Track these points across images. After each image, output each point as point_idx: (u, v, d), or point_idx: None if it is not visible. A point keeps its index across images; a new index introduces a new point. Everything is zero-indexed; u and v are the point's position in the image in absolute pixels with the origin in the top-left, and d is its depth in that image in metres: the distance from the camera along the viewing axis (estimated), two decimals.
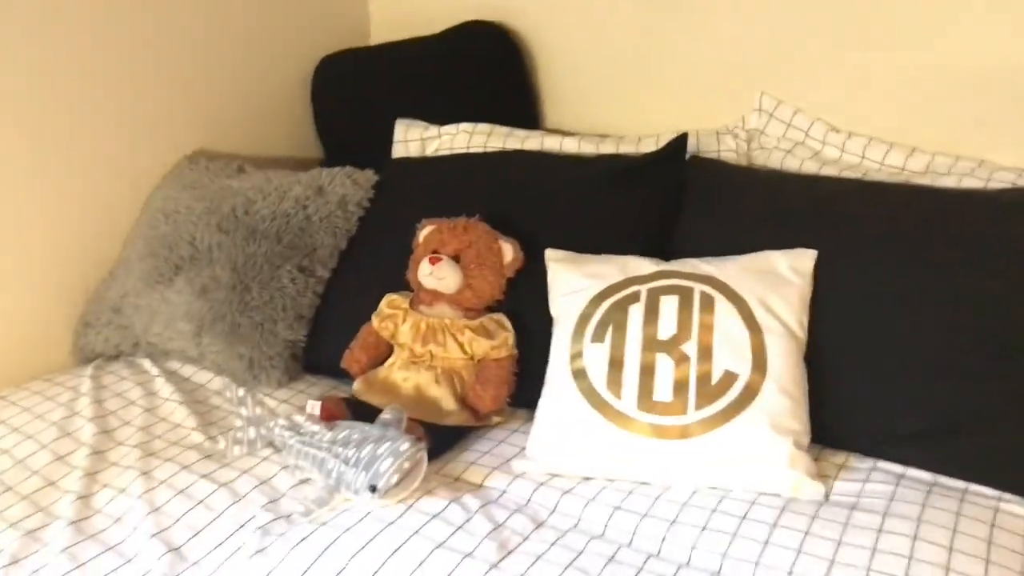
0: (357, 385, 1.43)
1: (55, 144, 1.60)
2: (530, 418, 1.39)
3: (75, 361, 1.65)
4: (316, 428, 1.23)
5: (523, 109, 1.92)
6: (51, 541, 1.12)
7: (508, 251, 1.44)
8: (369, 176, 1.69)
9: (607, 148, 1.71)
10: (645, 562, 1.05)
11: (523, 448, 1.31)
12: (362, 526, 1.10)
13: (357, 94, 1.99)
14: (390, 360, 1.44)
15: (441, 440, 1.32)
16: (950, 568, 1.00)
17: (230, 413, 1.42)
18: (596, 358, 1.28)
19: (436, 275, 1.39)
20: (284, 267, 1.55)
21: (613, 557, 1.06)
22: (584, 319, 1.33)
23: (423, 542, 1.07)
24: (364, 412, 1.35)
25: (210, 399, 1.47)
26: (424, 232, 1.49)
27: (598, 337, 1.30)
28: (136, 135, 1.72)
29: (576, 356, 1.30)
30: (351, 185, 1.65)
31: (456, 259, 1.42)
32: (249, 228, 1.57)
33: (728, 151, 1.67)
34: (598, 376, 1.26)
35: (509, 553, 1.07)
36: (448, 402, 1.36)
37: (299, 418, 1.25)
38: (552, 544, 1.09)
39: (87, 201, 1.66)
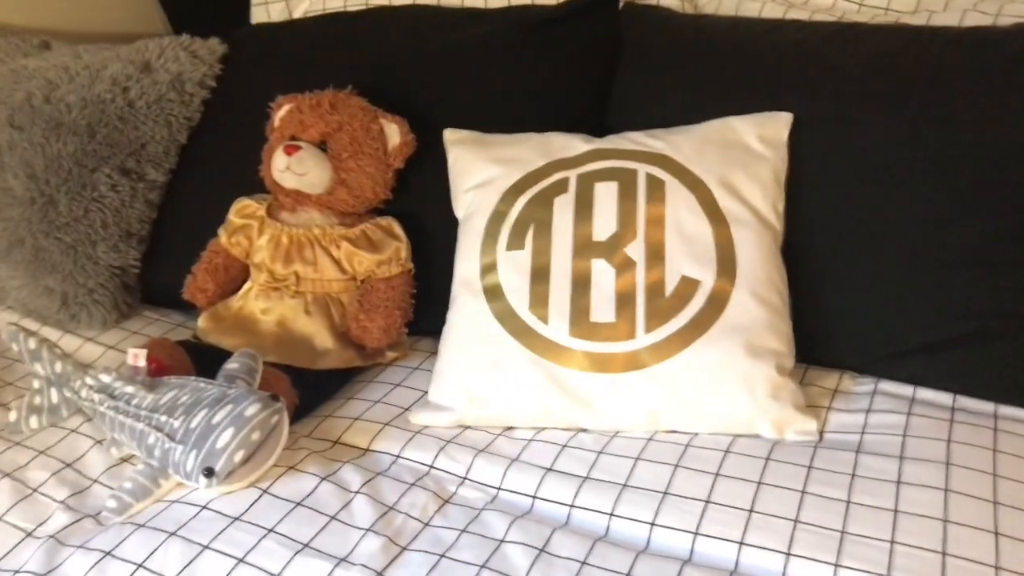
0: (202, 321, 1.08)
1: None
2: (434, 351, 1.09)
3: None
4: (131, 389, 0.89)
5: None
6: None
7: (393, 132, 1.09)
8: (213, 46, 1.30)
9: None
10: (590, 550, 0.76)
11: (424, 393, 1.00)
12: (194, 526, 0.79)
13: None
14: (246, 286, 1.10)
15: (315, 391, 1.00)
16: (999, 531, 0.74)
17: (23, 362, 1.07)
18: (514, 270, 0.96)
19: (295, 169, 1.04)
20: (101, 170, 1.17)
21: (545, 547, 0.76)
22: (497, 219, 1.00)
23: (279, 546, 0.76)
24: (212, 359, 1.01)
25: (8, 350, 1.12)
26: (280, 113, 1.13)
27: (515, 243, 0.98)
28: None
29: (488, 268, 0.98)
30: (188, 59, 1.26)
31: (322, 147, 1.06)
32: (51, 121, 1.18)
33: None
34: (517, 294, 0.95)
35: (401, 552, 0.76)
36: (323, 338, 1.04)
37: (106, 377, 0.91)
38: (461, 531, 0.79)
39: None
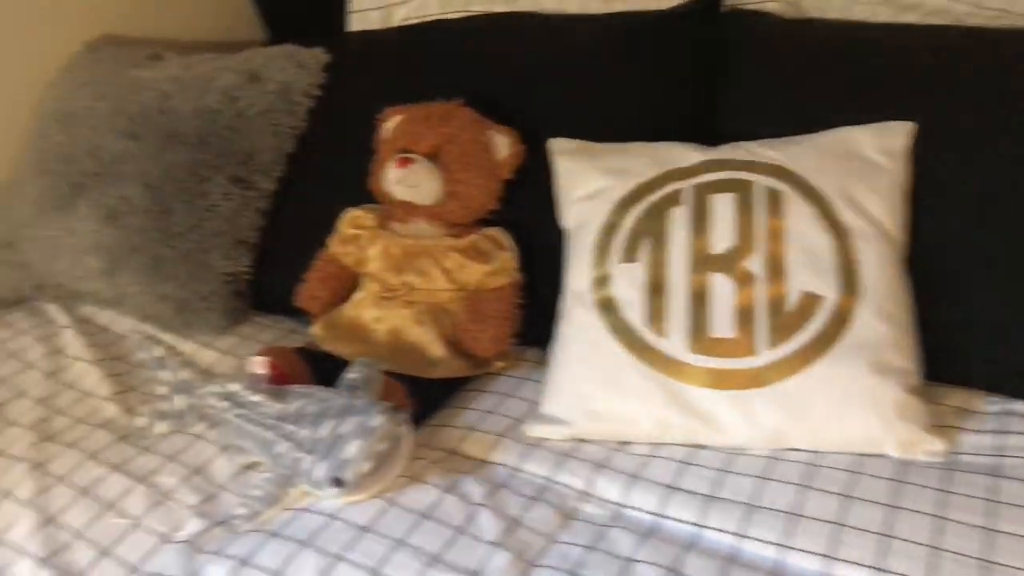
0: (316, 329, 1.10)
1: None
2: (540, 361, 1.09)
3: None
4: (258, 398, 0.91)
5: None
6: None
7: (502, 144, 1.10)
8: (318, 56, 1.32)
9: (619, 3, 1.34)
10: (721, 573, 0.75)
11: (537, 404, 1.00)
12: (326, 536, 0.80)
13: None
14: (358, 295, 1.11)
15: (429, 400, 1.01)
16: None
17: (149, 369, 1.10)
18: (629, 283, 0.96)
19: (407, 181, 1.05)
20: (214, 179, 1.20)
21: (676, 567, 0.76)
22: (609, 231, 1.00)
23: (411, 559, 0.77)
24: (327, 366, 1.03)
25: (132, 355, 1.15)
26: (389, 125, 1.14)
27: (629, 255, 0.98)
28: (21, 22, 1.34)
29: (601, 281, 0.98)
30: (295, 68, 1.28)
31: (433, 158, 1.07)
32: (166, 131, 1.22)
33: (772, 0, 1.30)
34: (633, 307, 0.95)
35: (530, 568, 0.77)
36: (435, 347, 1.05)
37: (233, 386, 0.93)
38: (589, 549, 0.79)
39: None
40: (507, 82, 1.21)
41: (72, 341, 1.16)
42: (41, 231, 1.23)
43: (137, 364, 1.13)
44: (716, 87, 1.18)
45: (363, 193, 1.18)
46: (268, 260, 1.25)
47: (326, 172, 1.27)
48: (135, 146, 1.21)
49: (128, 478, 0.91)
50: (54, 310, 1.24)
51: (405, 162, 1.04)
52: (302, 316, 1.19)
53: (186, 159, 1.20)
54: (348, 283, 1.14)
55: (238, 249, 1.20)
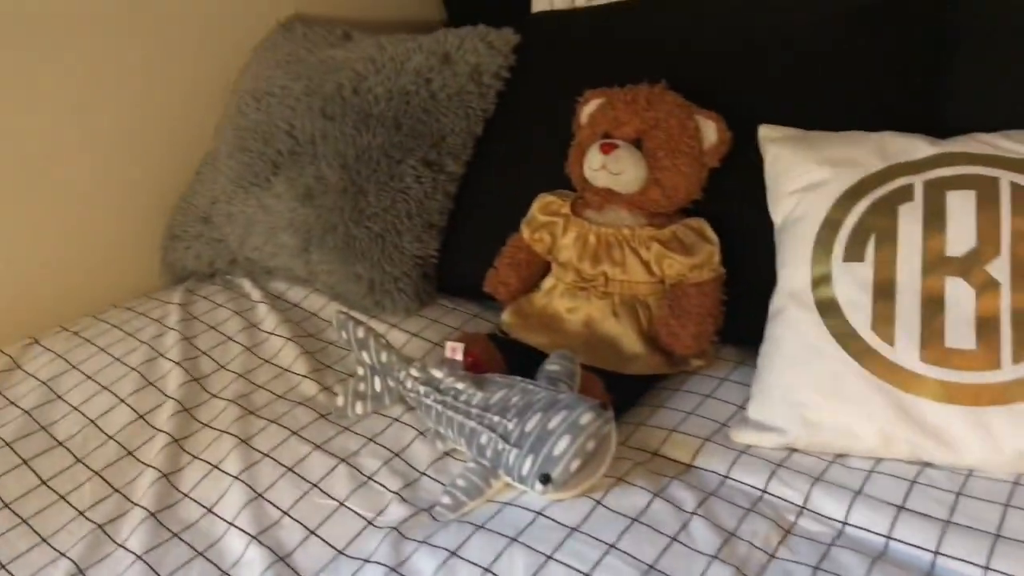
0: (507, 316, 1.09)
1: (120, 19, 1.28)
2: (740, 360, 1.04)
3: (164, 281, 1.38)
4: (461, 385, 0.90)
5: None
6: (127, 539, 0.85)
7: (709, 130, 1.04)
8: (508, 37, 1.29)
9: None
10: None
11: (740, 407, 0.95)
12: (534, 534, 0.78)
13: None
14: (548, 282, 1.09)
15: (624, 396, 0.97)
16: None
17: (350, 352, 1.11)
18: (854, 284, 0.89)
19: (611, 168, 1.01)
20: (407, 162, 1.20)
21: None
22: (830, 227, 0.93)
23: (624, 564, 0.74)
24: (519, 355, 1.02)
25: (324, 332, 1.17)
26: (589, 108, 1.11)
27: (854, 253, 0.90)
28: (216, 1, 1.38)
29: (821, 280, 0.91)
30: (485, 50, 1.27)
31: (637, 144, 1.03)
32: (360, 112, 1.22)
33: None
34: (858, 310, 0.88)
35: None
36: (631, 342, 1.01)
37: (436, 371, 0.92)
38: (814, 568, 0.74)
39: (163, 85, 1.35)
40: (708, 66, 1.15)
41: (267, 316, 1.19)
42: (237, 207, 1.27)
43: (330, 342, 1.15)
44: (942, 73, 1.08)
45: (552, 178, 1.16)
46: (454, 243, 1.24)
47: (515, 156, 1.24)
48: (331, 126, 1.22)
49: (331, 457, 0.92)
50: (248, 285, 1.28)
51: (609, 148, 1.01)
52: (487, 300, 1.18)
53: (380, 140, 1.20)
54: (538, 270, 1.12)
55: (429, 232, 1.20)
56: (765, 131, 1.05)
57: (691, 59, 1.16)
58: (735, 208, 1.07)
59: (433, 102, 1.23)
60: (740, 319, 1.03)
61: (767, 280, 0.99)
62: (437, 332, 1.14)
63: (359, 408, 0.99)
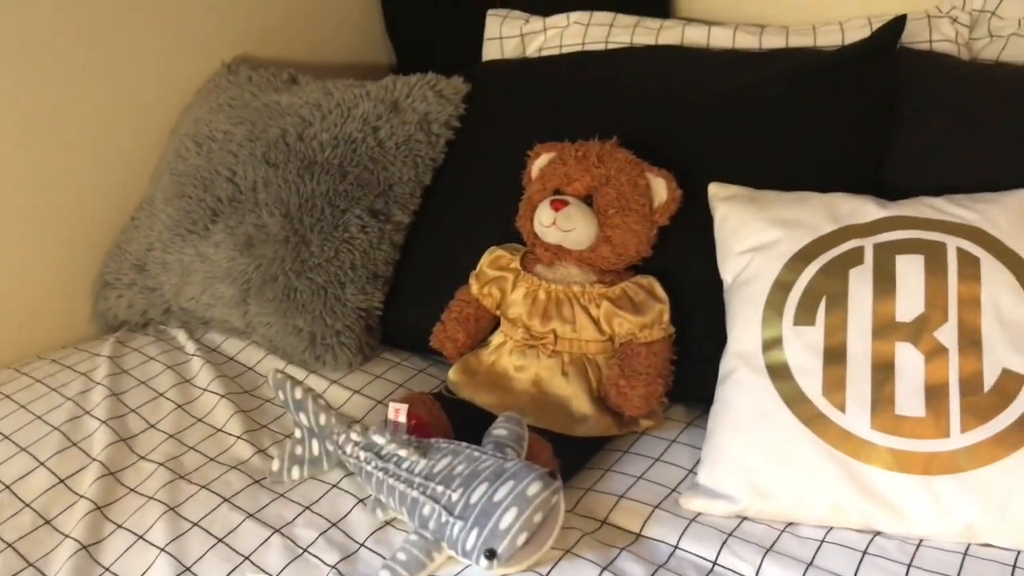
0: (454, 374, 1.05)
1: (57, 58, 1.23)
2: (689, 420, 1.03)
3: (94, 330, 1.32)
4: (404, 452, 0.86)
5: None
6: None
7: (659, 187, 1.03)
8: (458, 86, 1.28)
9: (772, 41, 1.27)
10: None
11: (690, 471, 0.93)
12: None
13: None
14: (496, 339, 1.06)
15: (573, 459, 0.95)
16: None
17: (285, 410, 1.07)
18: (804, 348, 0.88)
19: (562, 225, 0.99)
20: (352, 211, 1.17)
21: None
22: (781, 289, 0.92)
23: None
24: (466, 415, 0.98)
25: (260, 388, 1.12)
26: (539, 162, 1.09)
27: (805, 317, 0.90)
28: (159, 40, 1.34)
29: (772, 344, 0.90)
30: (435, 98, 1.24)
31: (587, 201, 1.01)
32: (304, 159, 1.19)
33: (944, 41, 1.21)
34: (809, 375, 0.87)
35: None
36: (581, 402, 0.98)
37: (377, 437, 0.88)
38: None
39: (100, 127, 1.30)
40: (658, 121, 1.14)
41: (200, 371, 1.14)
42: (174, 255, 1.22)
43: (266, 398, 1.10)
44: (888, 133, 1.09)
45: (501, 230, 1.14)
46: (399, 295, 1.20)
47: (463, 207, 1.22)
48: (273, 173, 1.19)
49: (265, 527, 0.87)
50: (182, 336, 1.23)
51: (560, 205, 0.99)
52: (432, 354, 1.15)
53: (325, 188, 1.17)
54: (486, 325, 1.09)
55: (373, 283, 1.17)
56: (715, 189, 1.04)
57: (641, 114, 1.16)
58: (684, 265, 1.06)
59: (380, 150, 1.20)
60: (689, 378, 1.02)
61: (716, 339, 0.98)
62: (380, 389, 1.10)
63: (295, 473, 0.95)
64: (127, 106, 1.33)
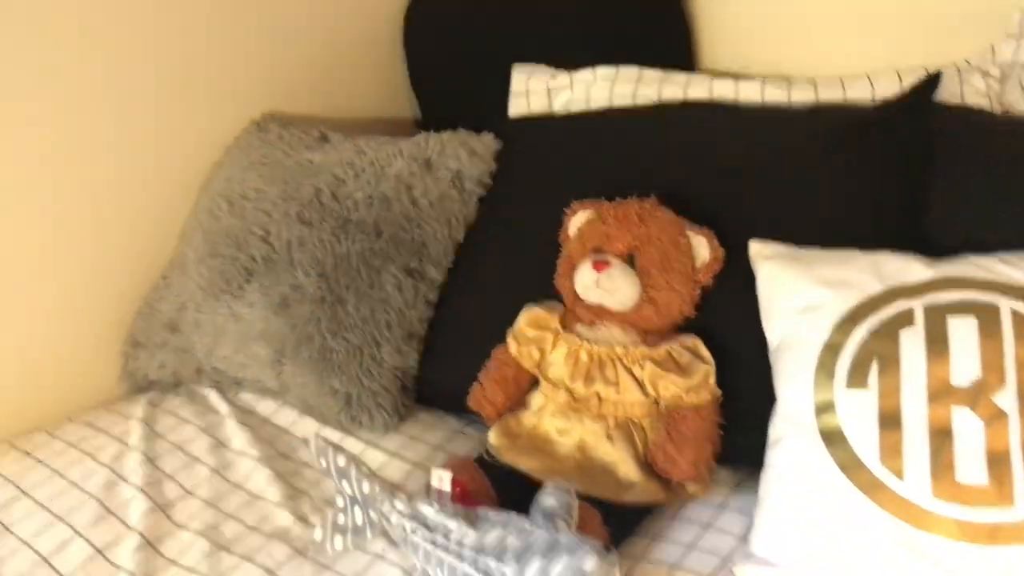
0: (495, 438, 1.04)
1: (87, 118, 1.23)
2: (737, 484, 1.01)
3: (123, 389, 1.30)
4: (453, 523, 0.84)
5: (672, 47, 1.47)
6: None
7: (701, 246, 1.02)
8: (489, 143, 1.28)
9: (801, 95, 1.27)
10: None
11: (741, 538, 0.91)
12: None
13: (460, 33, 1.57)
14: (537, 400, 1.04)
15: (621, 528, 0.92)
16: None
17: (326, 476, 1.05)
18: (859, 412, 0.86)
19: (604, 285, 0.99)
20: (387, 270, 1.16)
21: None
22: (831, 351, 0.91)
23: None
24: (509, 481, 0.97)
25: (297, 451, 1.11)
26: (577, 221, 1.08)
27: (857, 380, 0.88)
28: (188, 97, 1.34)
29: (824, 408, 0.88)
30: (467, 156, 1.24)
31: (629, 260, 1.01)
32: (339, 218, 1.19)
33: (977, 95, 1.20)
34: (864, 441, 0.85)
35: None
36: (628, 468, 0.97)
37: (424, 507, 0.86)
38: None
39: (128, 184, 1.30)
40: (693, 177, 1.14)
41: (235, 434, 1.12)
42: (207, 315, 1.21)
43: (303, 463, 1.08)
44: (926, 189, 1.09)
45: (534, 288, 1.13)
46: (434, 354, 1.19)
47: (495, 264, 1.21)
48: (308, 233, 1.18)
49: None
50: (214, 397, 1.21)
51: (602, 265, 0.98)
52: (465, 412, 1.13)
53: (359, 248, 1.16)
54: (526, 385, 1.08)
55: (409, 343, 1.15)
56: (756, 247, 1.03)
57: (676, 171, 1.15)
58: (726, 324, 1.05)
59: (415, 209, 1.20)
60: (734, 440, 1.00)
61: (761, 399, 0.96)
62: (418, 451, 1.09)
63: (339, 543, 0.93)
64: (155, 163, 1.32)
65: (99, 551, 0.93)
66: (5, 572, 0.91)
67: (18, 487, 1.03)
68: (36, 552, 0.93)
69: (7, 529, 0.97)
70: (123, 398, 1.28)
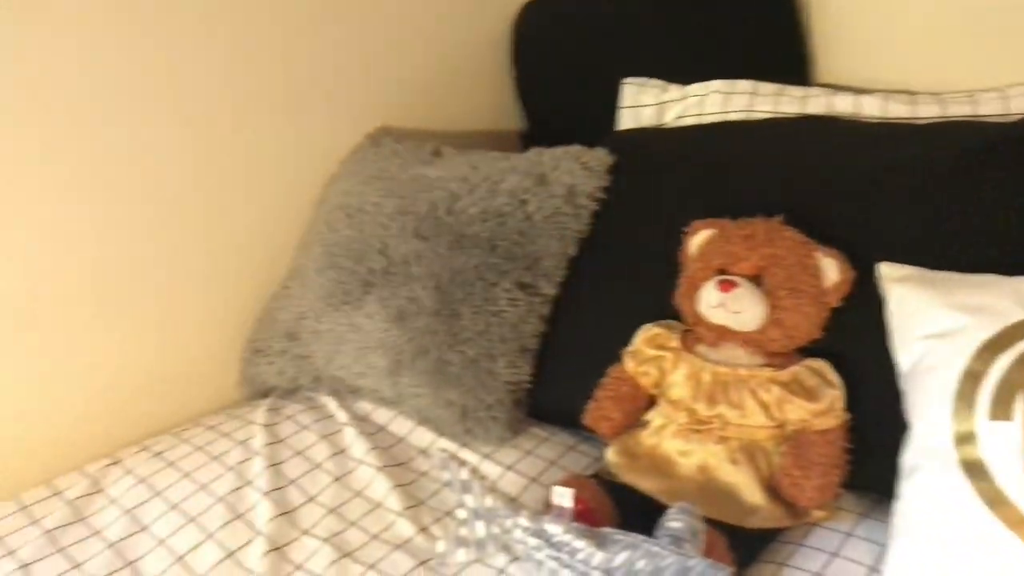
0: (613, 456, 1.03)
1: (212, 129, 1.28)
2: (863, 512, 0.98)
3: (243, 394, 1.35)
4: (580, 543, 0.84)
5: (786, 61, 1.45)
6: None
7: (830, 268, 1.00)
8: (603, 157, 1.27)
9: (927, 111, 1.23)
10: None
11: (871, 568, 0.89)
12: None
13: (569, 46, 1.58)
14: (657, 420, 1.03)
15: (745, 554, 0.91)
16: None
17: (442, 486, 1.06)
18: (1003, 444, 0.83)
19: (731, 306, 0.97)
20: (501, 284, 1.17)
21: None
22: (971, 380, 0.87)
23: None
24: (629, 500, 0.96)
25: (414, 461, 1.12)
26: (698, 240, 1.07)
27: (1001, 411, 0.85)
28: (308, 111, 1.38)
29: (964, 439, 0.85)
30: (581, 171, 1.24)
31: (755, 281, 0.99)
32: (455, 233, 1.20)
33: None
34: (1010, 475, 0.82)
35: None
36: (752, 492, 0.95)
37: (550, 525, 0.87)
38: None
39: (250, 195, 1.34)
40: (818, 196, 1.11)
41: (355, 442, 1.14)
42: (326, 325, 1.24)
43: (420, 472, 1.10)
44: None
45: (648, 305, 1.12)
46: (546, 368, 1.20)
47: (608, 280, 1.21)
48: (425, 247, 1.20)
49: None
50: (332, 405, 1.24)
51: (729, 286, 0.97)
52: (578, 428, 1.13)
53: (475, 262, 1.17)
54: (642, 404, 1.07)
55: (522, 357, 1.16)
56: (887, 270, 1.00)
57: (799, 189, 1.13)
58: (852, 347, 1.02)
59: (528, 223, 1.20)
60: (861, 466, 0.98)
61: (888, 425, 0.94)
62: (532, 465, 1.09)
63: (461, 555, 0.94)
64: (275, 176, 1.36)
65: (231, 553, 0.96)
66: (145, 569, 0.95)
67: (152, 487, 1.07)
68: (172, 551, 0.97)
69: (145, 528, 1.01)
70: (242, 403, 1.32)
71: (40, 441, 1.17)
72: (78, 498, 1.07)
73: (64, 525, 1.02)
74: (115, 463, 1.14)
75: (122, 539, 0.99)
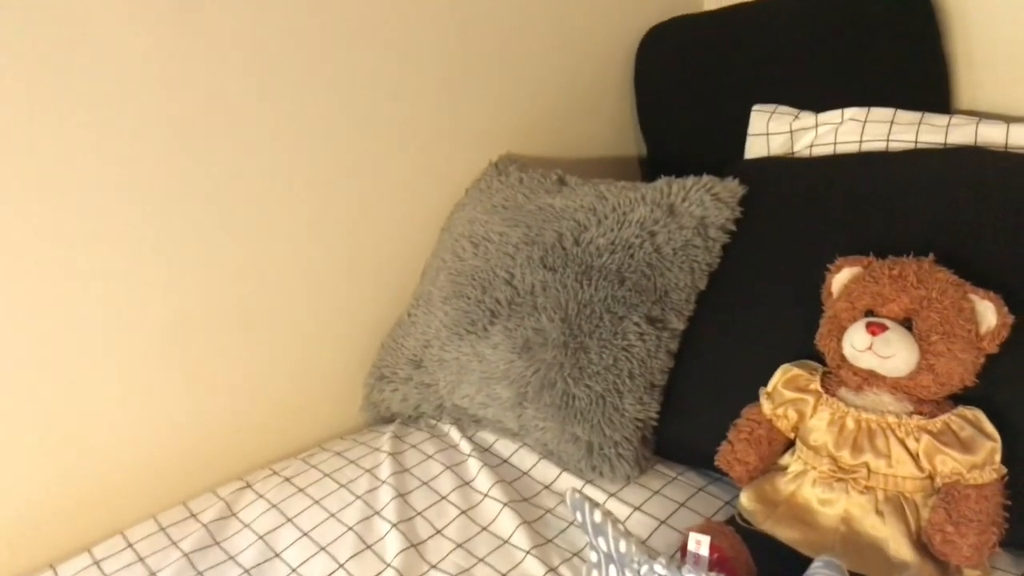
0: (749, 502, 1.00)
1: (340, 159, 1.30)
2: (1019, 571, 0.91)
3: (366, 419, 1.37)
4: None
5: (926, 89, 1.38)
6: None
7: (987, 311, 0.94)
8: (735, 188, 1.24)
9: None
10: None
11: None
12: None
13: (694, 70, 1.55)
14: (796, 466, 0.99)
15: None
16: None
17: (569, 524, 1.05)
18: None
19: (880, 351, 0.93)
20: (629, 318, 1.15)
21: None
22: None
23: None
24: (767, 550, 0.92)
25: (539, 496, 1.11)
26: (841, 278, 1.03)
27: None
28: (435, 139, 1.40)
29: None
30: (711, 202, 1.21)
31: (905, 324, 0.94)
32: (582, 264, 1.19)
33: None
34: None
35: None
36: (900, 546, 0.90)
37: (689, 573, 0.84)
38: None
39: (377, 222, 1.36)
40: (969, 233, 1.06)
41: (479, 474, 1.14)
42: (451, 353, 1.24)
43: (545, 508, 1.09)
44: None
45: (781, 343, 1.09)
46: (671, 405, 1.17)
47: (739, 315, 1.17)
48: (552, 277, 1.19)
49: None
50: (455, 434, 1.24)
51: (878, 329, 0.92)
52: (705, 468, 1.10)
53: (603, 295, 1.16)
54: (778, 448, 1.03)
55: (650, 393, 1.14)
56: None
57: (948, 225, 1.07)
58: (1009, 394, 0.96)
59: (658, 256, 1.18)
60: (1019, 523, 0.91)
61: None
62: (661, 506, 1.07)
63: None
64: (402, 203, 1.38)
65: None
66: None
67: (283, 514, 1.09)
68: None
69: (278, 555, 1.03)
70: (364, 429, 1.34)
71: (173, 460, 1.21)
72: (213, 521, 1.09)
73: (201, 548, 1.04)
74: (246, 487, 1.17)
75: (257, 564, 1.01)
